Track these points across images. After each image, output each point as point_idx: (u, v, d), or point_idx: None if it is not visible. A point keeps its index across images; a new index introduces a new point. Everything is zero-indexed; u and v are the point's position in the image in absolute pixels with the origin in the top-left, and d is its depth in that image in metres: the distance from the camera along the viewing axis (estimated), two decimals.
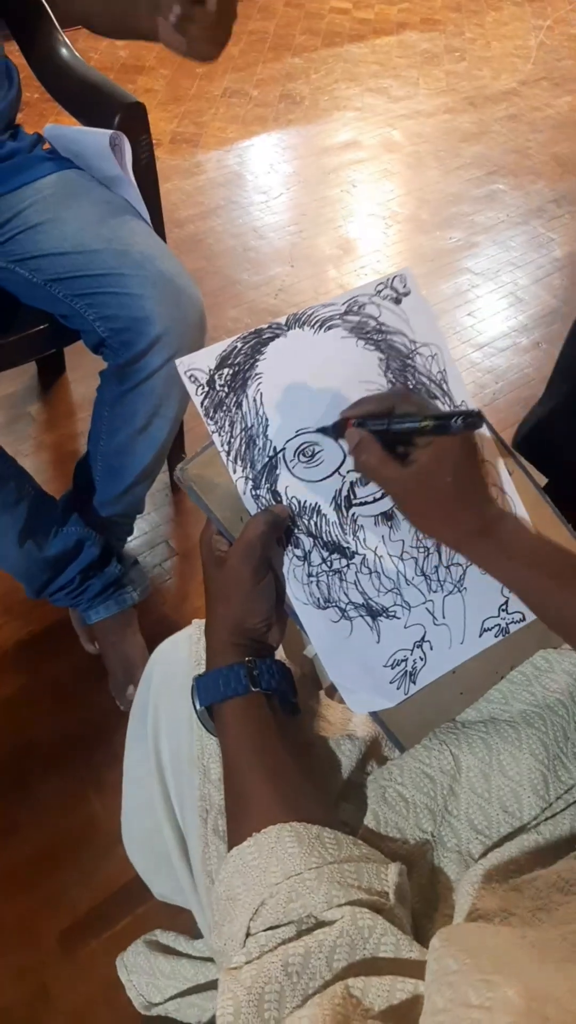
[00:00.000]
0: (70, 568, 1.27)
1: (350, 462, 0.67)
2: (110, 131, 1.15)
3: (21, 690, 1.39)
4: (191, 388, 0.65)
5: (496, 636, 0.72)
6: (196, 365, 0.65)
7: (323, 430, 0.67)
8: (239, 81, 3.27)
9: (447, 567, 0.71)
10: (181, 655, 0.72)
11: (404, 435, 0.62)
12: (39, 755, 1.31)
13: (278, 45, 3.57)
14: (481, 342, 2.17)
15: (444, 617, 0.71)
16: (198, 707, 0.62)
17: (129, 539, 1.47)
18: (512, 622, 0.73)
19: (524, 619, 0.73)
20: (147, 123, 1.29)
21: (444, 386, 0.71)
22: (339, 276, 2.35)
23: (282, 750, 0.60)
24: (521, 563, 0.62)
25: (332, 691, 0.80)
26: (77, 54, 1.39)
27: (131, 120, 1.26)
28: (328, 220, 2.57)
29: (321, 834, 0.54)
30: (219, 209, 2.58)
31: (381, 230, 2.56)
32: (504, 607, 0.73)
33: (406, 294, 0.70)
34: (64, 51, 1.38)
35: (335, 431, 0.67)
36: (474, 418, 0.58)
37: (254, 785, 0.58)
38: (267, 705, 0.62)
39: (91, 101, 1.31)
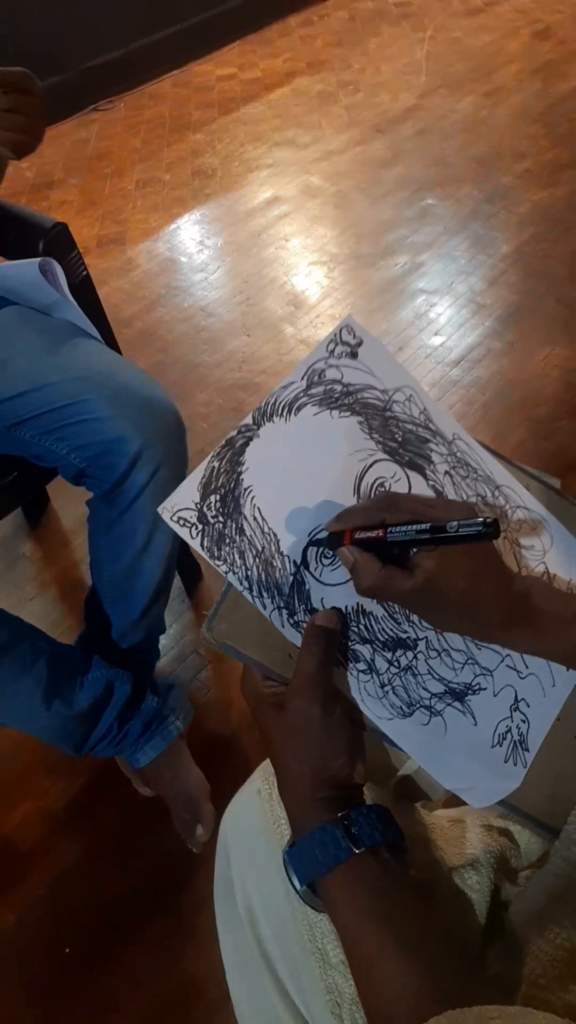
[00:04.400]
0: (106, 715, 1.18)
1: None
2: (38, 259, 1.10)
3: (86, 852, 1.29)
4: (184, 533, 0.59)
5: None
6: (180, 504, 0.59)
7: (316, 543, 0.61)
8: (149, 170, 3.29)
9: None
10: (254, 820, 0.63)
11: (400, 546, 0.55)
12: (121, 917, 1.21)
13: (177, 126, 3.60)
14: (455, 358, 2.11)
15: (527, 667, 0.65)
16: (298, 887, 0.53)
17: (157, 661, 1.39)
18: None
19: None
20: (72, 241, 1.24)
21: (431, 425, 0.66)
22: (297, 332, 2.31)
23: (408, 915, 0.51)
24: (558, 638, 0.56)
25: (428, 804, 0.71)
26: None
27: (56, 242, 1.21)
28: (271, 280, 2.54)
29: (482, 1017, 0.44)
30: (161, 298, 2.55)
31: (325, 275, 2.52)
32: None
33: (359, 344, 0.66)
34: None
35: (328, 544, 0.60)
36: (489, 530, 0.50)
37: (387, 969, 0.48)
38: (375, 862, 0.53)
39: (11, 233, 1.27)
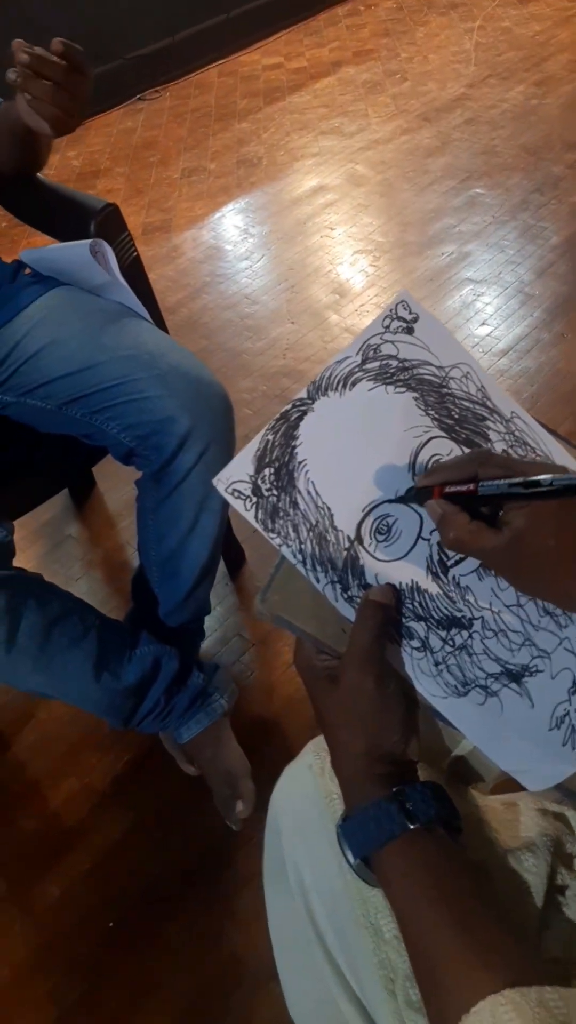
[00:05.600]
0: (153, 690, 1.18)
1: (431, 522, 0.59)
2: (88, 240, 1.11)
3: (130, 828, 1.30)
4: (238, 505, 0.58)
5: None
6: (234, 477, 0.59)
7: (400, 499, 0.60)
8: (194, 159, 3.29)
9: None
10: (306, 794, 0.63)
11: (492, 500, 0.54)
12: (162, 896, 1.21)
13: (223, 115, 3.61)
14: (503, 348, 2.08)
15: None
16: (352, 861, 0.53)
17: (202, 642, 1.39)
18: None
19: None
20: (123, 222, 1.25)
21: (488, 403, 0.65)
22: (342, 320, 2.29)
23: (465, 892, 0.50)
24: None
25: (484, 787, 0.70)
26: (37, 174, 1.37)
27: (107, 224, 1.22)
28: (316, 268, 2.53)
29: (542, 996, 0.43)
30: (206, 286, 2.55)
31: (371, 264, 2.50)
32: None
33: (415, 319, 0.64)
34: None
35: (415, 499, 0.59)
36: None
37: (443, 946, 0.48)
38: (430, 838, 0.52)
39: (63, 215, 1.28)
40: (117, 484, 1.86)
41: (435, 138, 3.07)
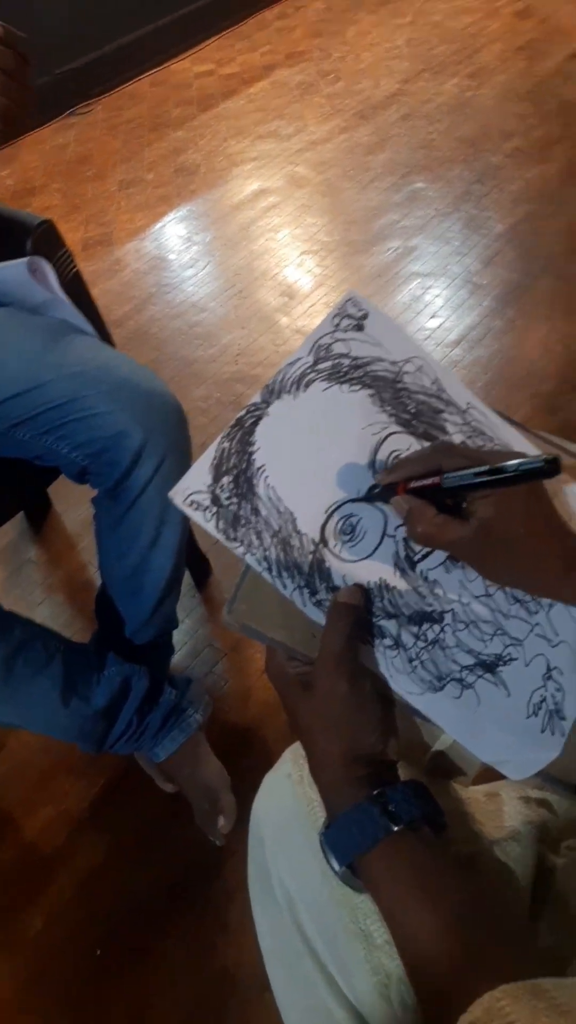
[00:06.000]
0: (124, 711, 1.16)
1: (396, 519, 0.59)
2: (25, 258, 1.08)
3: (110, 852, 1.27)
4: (198, 517, 0.57)
5: None
6: (192, 488, 0.57)
7: (363, 498, 0.59)
8: (131, 170, 3.27)
9: None
10: (287, 804, 0.61)
11: (457, 491, 0.53)
12: (150, 914, 1.19)
13: (157, 125, 3.58)
14: (455, 339, 2.09)
15: (558, 634, 0.63)
16: (337, 869, 0.51)
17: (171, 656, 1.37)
18: None
19: None
20: (60, 238, 1.23)
21: (444, 395, 0.65)
22: (292, 322, 2.29)
23: (453, 889, 0.49)
24: None
25: (465, 780, 0.69)
26: None
27: (44, 241, 1.20)
28: (263, 272, 2.52)
29: (538, 988, 0.43)
30: (152, 297, 2.53)
31: (317, 264, 2.50)
32: None
33: (364, 316, 0.64)
34: None
35: (380, 496, 0.58)
36: (550, 466, 0.48)
37: (436, 945, 0.47)
38: (415, 838, 0.51)
39: None
40: (74, 504, 1.83)
41: (373, 135, 3.09)
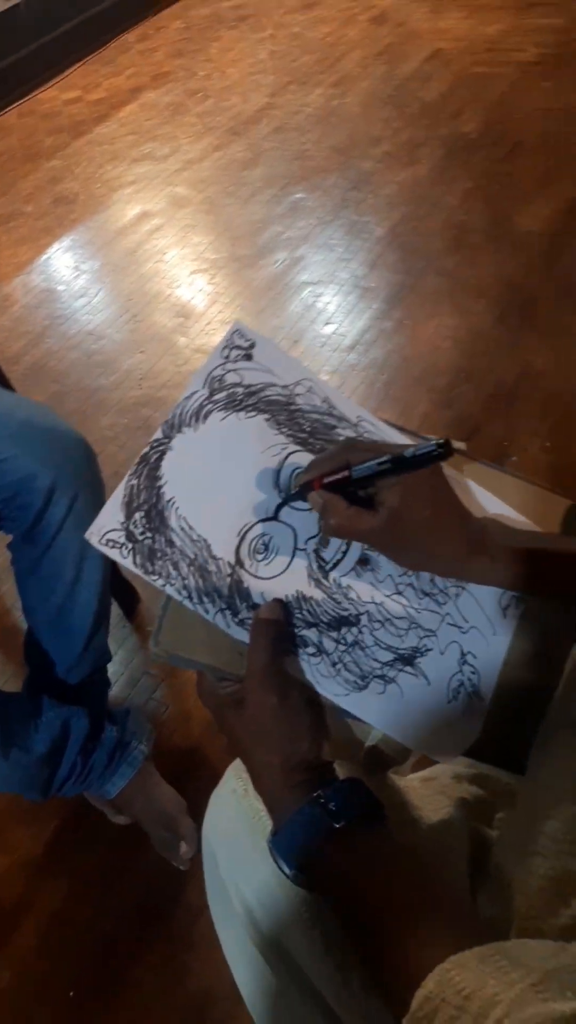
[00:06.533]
0: (67, 754, 1.16)
1: (304, 533, 0.63)
2: None
3: (71, 893, 1.27)
4: (115, 554, 0.60)
5: (517, 608, 0.67)
6: (106, 527, 0.61)
7: (272, 517, 0.63)
8: (7, 204, 3.23)
9: None
10: (234, 818, 0.64)
11: (366, 482, 0.57)
12: (118, 947, 1.20)
13: (30, 155, 3.55)
14: (349, 344, 2.15)
15: (467, 620, 0.67)
16: (288, 872, 0.54)
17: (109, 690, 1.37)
18: None
19: None
20: None
21: (335, 411, 0.68)
22: (190, 341, 2.31)
23: (398, 877, 0.52)
24: (517, 566, 0.58)
25: (403, 769, 0.73)
26: None
27: None
28: (156, 294, 2.53)
29: (483, 954, 0.46)
30: (46, 330, 2.51)
31: (208, 282, 2.53)
32: None
33: (251, 346, 0.67)
34: None
35: (296, 497, 0.62)
36: (443, 449, 0.53)
37: (384, 934, 0.50)
38: (358, 834, 0.54)
39: None
40: None
41: (247, 150, 3.13)
